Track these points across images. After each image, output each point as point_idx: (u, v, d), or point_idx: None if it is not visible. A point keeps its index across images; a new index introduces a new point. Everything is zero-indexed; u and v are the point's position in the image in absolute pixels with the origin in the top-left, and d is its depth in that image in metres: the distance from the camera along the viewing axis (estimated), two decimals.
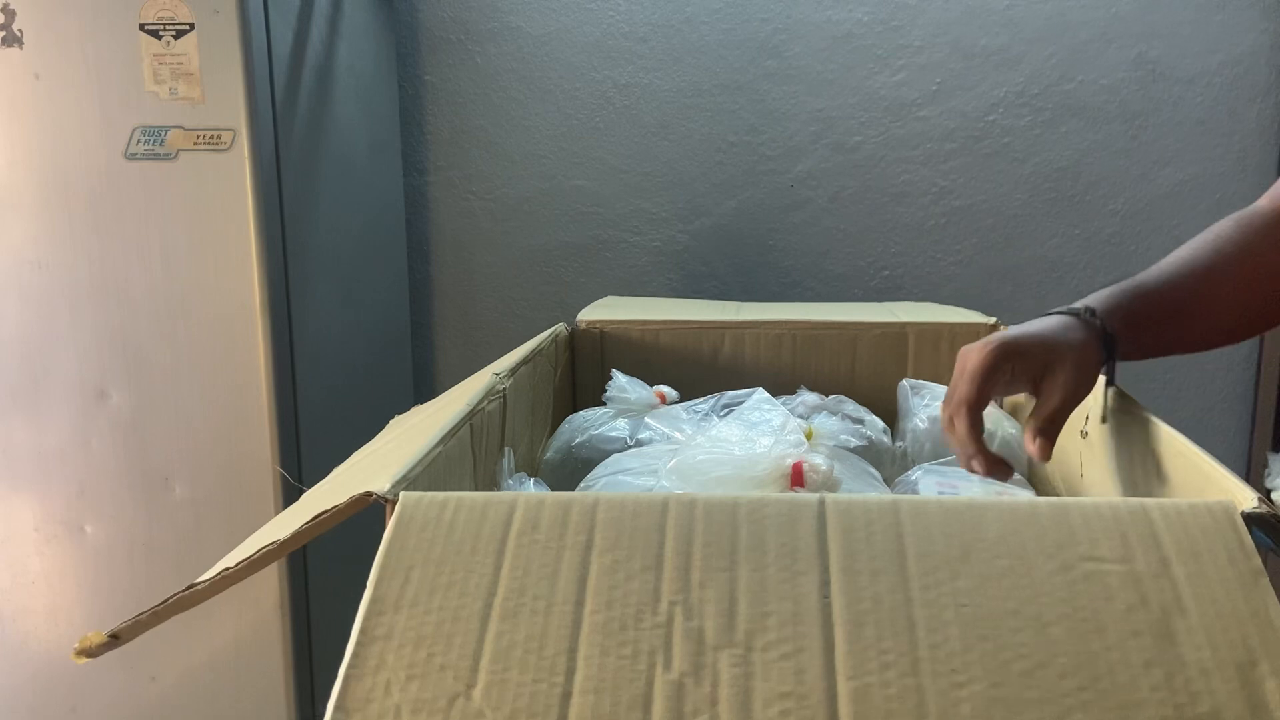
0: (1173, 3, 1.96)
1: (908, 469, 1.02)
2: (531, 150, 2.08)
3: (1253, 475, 2.04)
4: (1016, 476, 1.01)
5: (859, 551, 0.55)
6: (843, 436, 0.99)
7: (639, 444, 1.03)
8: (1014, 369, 0.75)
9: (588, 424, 1.09)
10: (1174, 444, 0.71)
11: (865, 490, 0.88)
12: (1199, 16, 1.96)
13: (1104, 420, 0.85)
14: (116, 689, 1.51)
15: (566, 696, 0.48)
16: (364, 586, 0.54)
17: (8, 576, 1.51)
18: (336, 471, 0.85)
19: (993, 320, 1.28)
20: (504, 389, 0.94)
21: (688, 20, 2.02)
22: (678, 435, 0.99)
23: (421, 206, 2.11)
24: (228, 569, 0.65)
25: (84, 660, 0.71)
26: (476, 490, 0.83)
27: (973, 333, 1.27)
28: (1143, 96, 1.99)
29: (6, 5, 1.37)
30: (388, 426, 0.99)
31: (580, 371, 1.30)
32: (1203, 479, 0.64)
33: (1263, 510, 0.55)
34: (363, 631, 0.51)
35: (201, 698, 1.51)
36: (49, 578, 1.50)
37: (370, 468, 0.74)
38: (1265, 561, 0.53)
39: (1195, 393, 2.09)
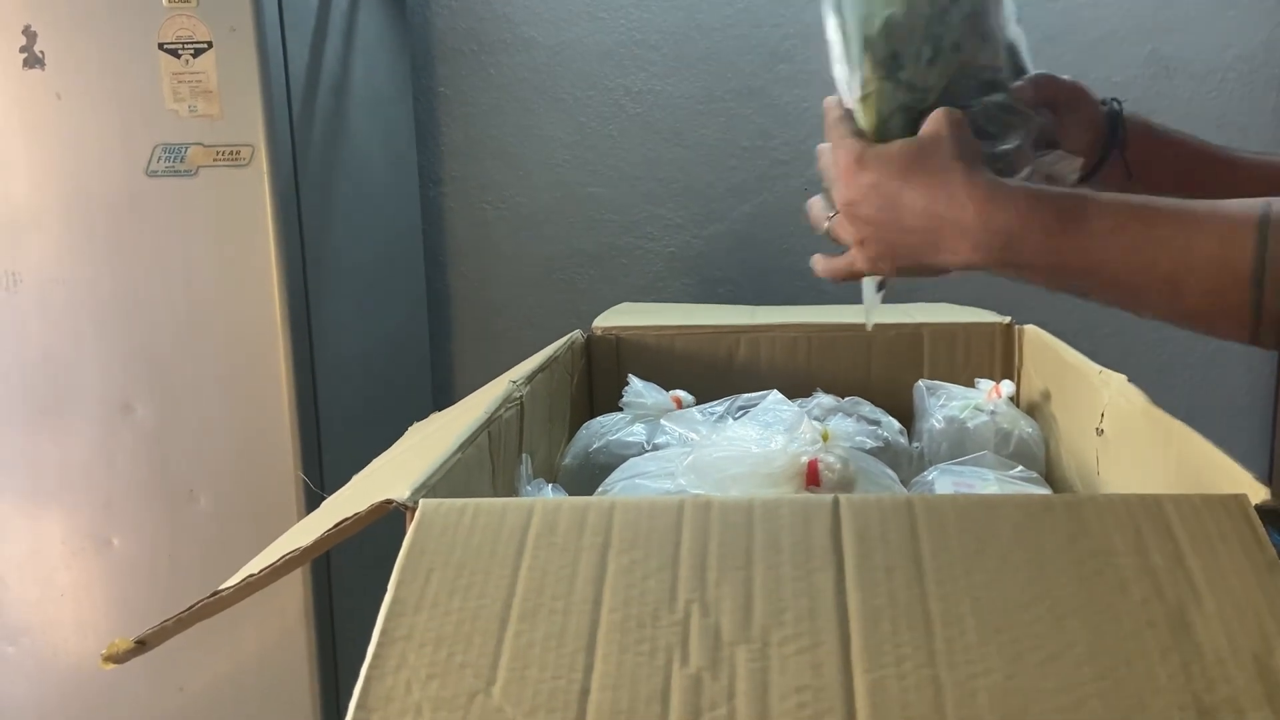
0: None
1: (924, 470, 1.02)
2: (545, 159, 2.09)
3: (1275, 473, 2.02)
4: (1033, 474, 1.01)
5: (874, 549, 0.55)
6: (859, 438, 0.99)
7: (656, 448, 1.04)
8: None
9: (605, 429, 1.10)
10: (1190, 441, 0.71)
11: (881, 491, 0.88)
12: (1212, 11, 1.95)
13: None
14: (144, 700, 1.53)
15: (585, 692, 0.48)
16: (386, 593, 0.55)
17: (36, 589, 1.53)
18: (357, 479, 0.86)
19: (1007, 320, 1.28)
20: (521, 396, 0.95)
21: (699, 27, 2.02)
22: (694, 438, 1.00)
23: (437, 217, 2.12)
24: (252, 576, 0.66)
25: (111, 666, 0.72)
26: (495, 497, 0.84)
27: (987, 333, 1.27)
28: (1156, 93, 1.98)
29: (28, 27, 1.39)
30: (407, 434, 1.00)
31: (597, 377, 1.30)
32: (1218, 475, 0.64)
33: (1276, 505, 0.55)
34: (384, 632, 0.52)
35: (228, 706, 1.52)
36: (76, 590, 1.52)
37: (390, 475, 0.75)
38: None
39: (1215, 391, 2.07)
